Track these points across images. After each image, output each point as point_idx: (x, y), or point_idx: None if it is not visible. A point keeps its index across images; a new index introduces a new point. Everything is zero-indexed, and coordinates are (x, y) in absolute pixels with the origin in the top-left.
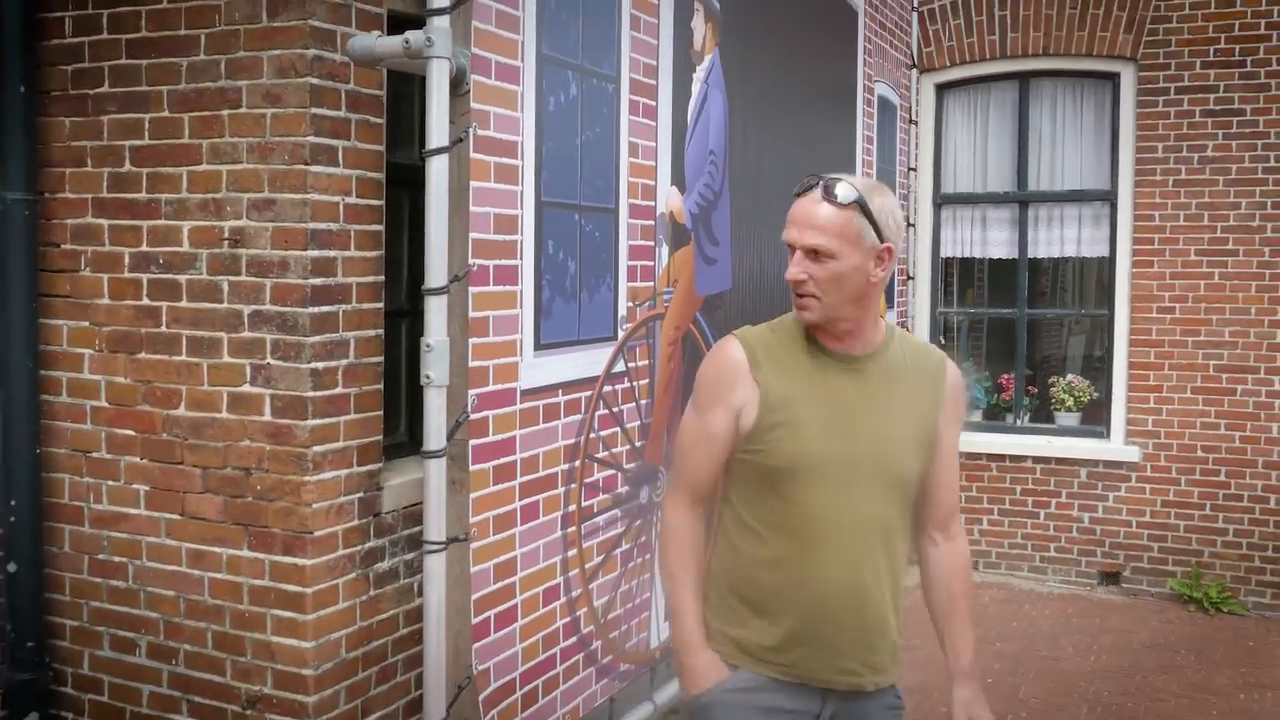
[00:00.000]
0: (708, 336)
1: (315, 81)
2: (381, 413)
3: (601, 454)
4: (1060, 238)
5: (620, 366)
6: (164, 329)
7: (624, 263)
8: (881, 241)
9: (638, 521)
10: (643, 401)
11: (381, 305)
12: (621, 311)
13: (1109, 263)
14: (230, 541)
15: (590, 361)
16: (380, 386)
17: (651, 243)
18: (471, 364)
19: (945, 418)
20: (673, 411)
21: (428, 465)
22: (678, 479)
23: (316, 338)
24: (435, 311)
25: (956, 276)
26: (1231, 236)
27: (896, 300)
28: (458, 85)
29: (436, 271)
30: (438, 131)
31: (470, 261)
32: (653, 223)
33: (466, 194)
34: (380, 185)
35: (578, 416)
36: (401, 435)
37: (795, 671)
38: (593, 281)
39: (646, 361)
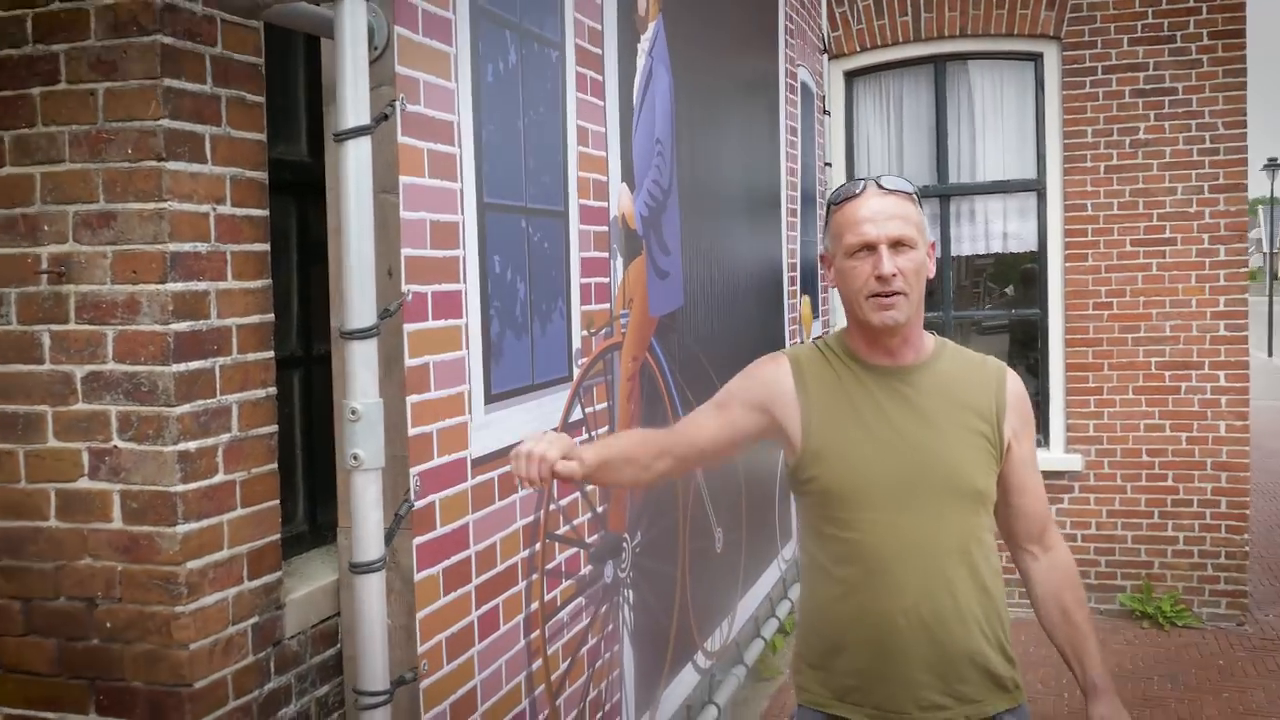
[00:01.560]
0: (664, 367)
1: (168, 41)
2: (278, 501)
3: (563, 529)
4: (985, 233)
5: (577, 413)
6: None
7: (576, 281)
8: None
9: (603, 608)
10: None
11: (272, 355)
12: (576, 343)
13: (1039, 257)
14: (70, 703)
15: (546, 411)
16: (274, 466)
17: (605, 254)
18: (411, 431)
19: (1013, 428)
20: None
21: (360, 585)
22: None
23: (185, 407)
24: (362, 362)
25: None
26: (1169, 224)
27: (821, 310)
28: (369, 44)
29: (360, 306)
30: (355, 104)
31: (404, 289)
32: (606, 229)
33: (395, 196)
34: (263, 189)
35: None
36: (300, 524)
37: (880, 710)
38: (544, 307)
39: (604, 404)
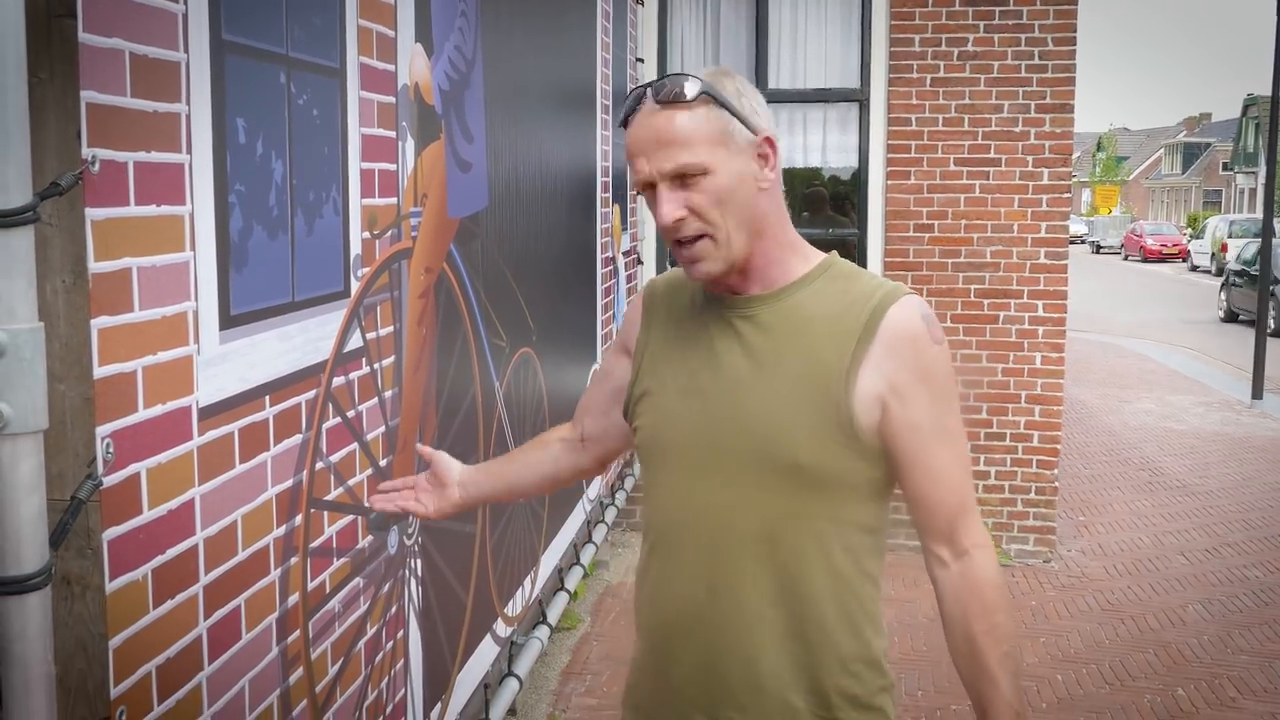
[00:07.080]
0: (465, 282)
1: None
2: None
3: (335, 493)
4: (804, 145)
5: (356, 341)
6: None
7: (356, 165)
8: (755, 133)
9: (386, 587)
10: (388, 393)
11: None
12: (355, 248)
13: (860, 174)
14: None
15: (312, 339)
16: None
17: (393, 133)
18: (99, 371)
19: (887, 381)
20: (427, 400)
21: (9, 611)
22: None
23: None
24: (8, 265)
25: None
26: (994, 144)
27: (630, 222)
28: None
29: (5, 174)
30: None
31: (86, 153)
32: (393, 100)
33: (72, 20)
34: None
35: (297, 438)
36: None
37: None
38: (311, 197)
39: (391, 328)
